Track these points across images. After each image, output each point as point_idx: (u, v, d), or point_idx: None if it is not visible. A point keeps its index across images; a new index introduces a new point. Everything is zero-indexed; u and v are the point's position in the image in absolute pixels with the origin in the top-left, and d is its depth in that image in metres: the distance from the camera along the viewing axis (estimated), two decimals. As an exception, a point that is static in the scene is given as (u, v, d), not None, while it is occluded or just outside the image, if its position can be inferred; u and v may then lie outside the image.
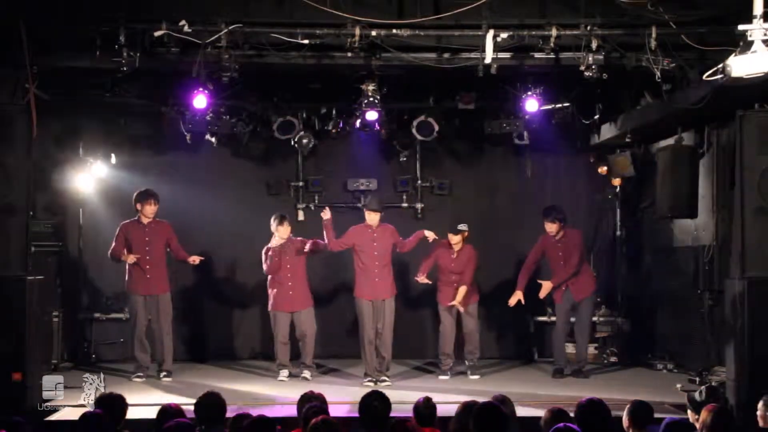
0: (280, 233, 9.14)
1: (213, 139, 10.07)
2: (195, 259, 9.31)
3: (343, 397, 7.83)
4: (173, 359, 9.31)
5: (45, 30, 7.46)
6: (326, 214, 8.98)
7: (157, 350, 9.19)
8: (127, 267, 9.12)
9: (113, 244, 9.12)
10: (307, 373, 9.16)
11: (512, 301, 9.38)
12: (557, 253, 9.51)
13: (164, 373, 9.09)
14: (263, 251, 9.22)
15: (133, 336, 9.16)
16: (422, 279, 9.29)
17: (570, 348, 10.02)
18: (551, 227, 9.43)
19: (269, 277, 9.27)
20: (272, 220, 9.20)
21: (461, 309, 9.22)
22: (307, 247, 9.17)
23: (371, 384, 8.80)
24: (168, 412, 5.13)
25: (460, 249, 9.31)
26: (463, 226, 9.25)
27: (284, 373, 9.21)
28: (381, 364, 9.03)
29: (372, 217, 9.04)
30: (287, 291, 9.20)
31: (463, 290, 9.19)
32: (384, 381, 8.91)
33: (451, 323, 9.37)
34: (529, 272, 9.57)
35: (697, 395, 5.45)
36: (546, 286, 9.41)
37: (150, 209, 9.09)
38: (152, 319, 9.19)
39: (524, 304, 9.52)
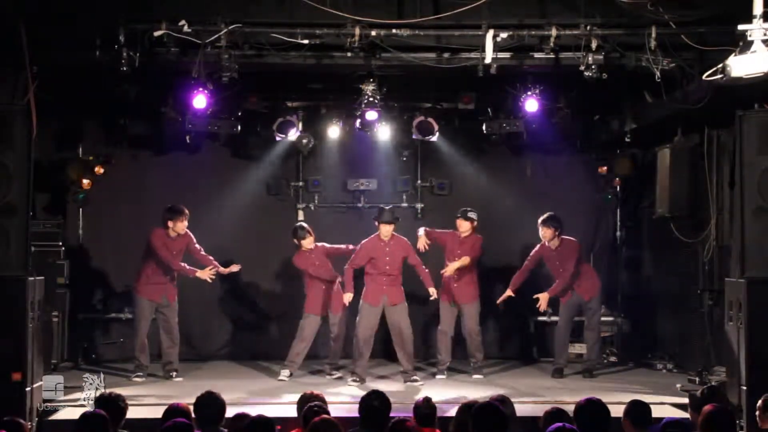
0: (305, 245, 9.21)
1: (213, 140, 10.07)
2: (227, 270, 9.32)
3: (343, 397, 7.83)
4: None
5: (45, 30, 7.45)
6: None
7: (165, 351, 9.22)
8: (139, 270, 9.18)
9: (162, 254, 9.06)
10: (336, 372, 9.31)
11: (501, 300, 9.43)
12: (554, 262, 9.51)
13: (174, 373, 9.13)
14: (301, 265, 9.30)
15: (136, 338, 9.16)
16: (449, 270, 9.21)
17: (572, 348, 10.04)
18: (545, 232, 9.38)
19: (308, 280, 9.33)
20: (298, 231, 9.24)
21: (446, 273, 9.13)
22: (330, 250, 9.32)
23: (356, 384, 8.81)
24: (175, 411, 5.12)
25: (468, 236, 9.29)
26: (473, 214, 9.26)
27: (285, 372, 9.20)
28: (408, 369, 9.04)
29: (385, 230, 9.01)
30: (324, 294, 9.27)
31: (465, 261, 9.12)
32: (416, 381, 8.95)
33: (450, 323, 9.33)
34: (523, 276, 9.53)
35: (698, 395, 5.45)
36: (543, 298, 9.33)
37: (181, 226, 9.11)
38: (161, 322, 9.21)
39: (514, 298, 9.49)
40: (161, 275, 9.14)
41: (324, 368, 9.47)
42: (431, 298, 9.10)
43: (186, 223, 9.14)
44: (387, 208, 9.32)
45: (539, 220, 9.45)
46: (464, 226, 9.30)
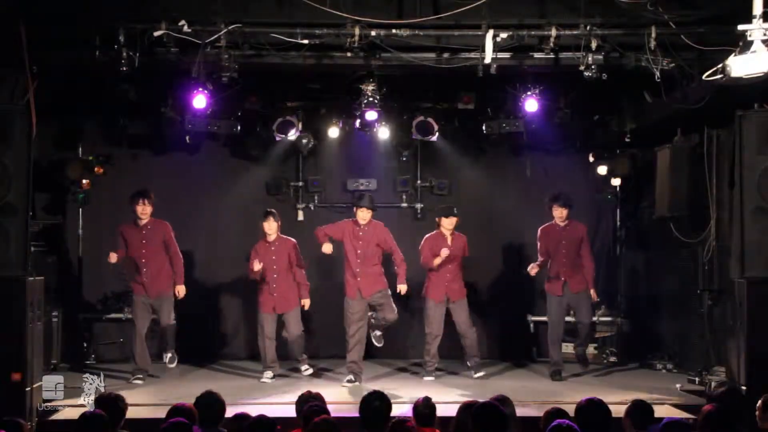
0: (265, 229, 9.12)
1: (213, 140, 10.08)
2: (179, 291, 9.15)
3: (342, 397, 7.83)
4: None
5: (45, 30, 7.45)
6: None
7: (164, 340, 9.21)
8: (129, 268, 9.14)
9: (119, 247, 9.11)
10: (306, 368, 9.19)
11: (533, 272, 9.28)
12: (560, 241, 9.34)
13: (169, 356, 9.10)
14: (253, 254, 9.20)
15: (133, 337, 9.09)
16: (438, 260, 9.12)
17: (568, 348, 10.04)
18: (561, 212, 9.30)
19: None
20: (264, 214, 9.21)
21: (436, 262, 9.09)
22: (294, 263, 9.21)
23: (348, 385, 8.79)
24: (178, 411, 5.11)
25: (453, 235, 9.24)
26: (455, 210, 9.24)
27: (268, 374, 9.17)
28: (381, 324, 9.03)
29: (362, 215, 8.96)
30: (271, 292, 9.17)
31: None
32: (378, 335, 8.97)
33: (440, 324, 9.23)
34: (543, 262, 9.40)
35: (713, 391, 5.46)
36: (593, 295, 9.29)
37: (140, 209, 9.03)
38: (157, 317, 9.19)
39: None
40: (140, 270, 9.04)
41: (298, 367, 9.33)
42: (400, 293, 9.05)
43: (146, 208, 9.00)
44: (367, 194, 9.33)
45: (552, 200, 9.33)
46: (451, 224, 9.23)
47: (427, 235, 9.32)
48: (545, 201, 9.48)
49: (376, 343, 9.12)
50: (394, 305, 9.06)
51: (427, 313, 9.28)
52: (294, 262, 9.24)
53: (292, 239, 9.34)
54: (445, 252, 9.03)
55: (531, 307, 10.66)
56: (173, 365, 9.13)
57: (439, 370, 9.45)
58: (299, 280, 9.26)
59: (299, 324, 9.23)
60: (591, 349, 10.07)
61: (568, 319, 9.63)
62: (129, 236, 9.08)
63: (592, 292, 9.36)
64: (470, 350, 9.33)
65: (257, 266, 9.00)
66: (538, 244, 9.45)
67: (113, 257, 8.93)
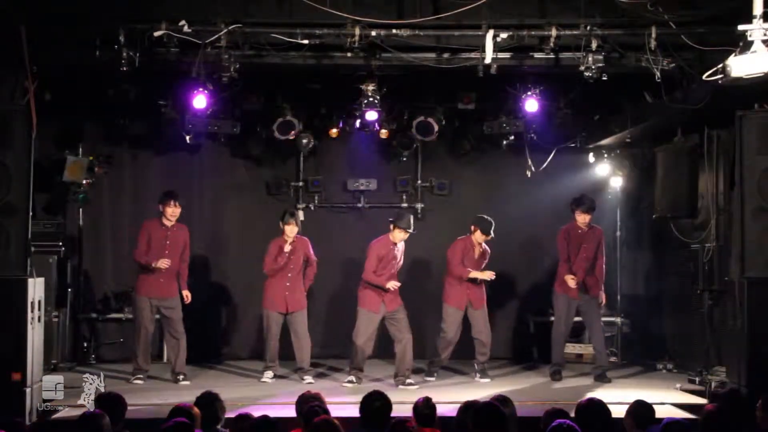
0: (287, 233, 9.06)
1: (213, 140, 10.08)
2: (188, 295, 9.16)
3: (342, 397, 7.83)
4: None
5: (45, 30, 7.45)
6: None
7: (172, 353, 9.13)
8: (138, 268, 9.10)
9: (138, 245, 9.04)
10: (308, 377, 9.10)
11: (573, 283, 9.15)
12: (581, 245, 9.31)
13: (182, 376, 8.97)
14: (273, 250, 9.12)
15: (137, 339, 9.03)
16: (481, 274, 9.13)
17: (571, 348, 10.02)
18: (585, 218, 9.28)
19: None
20: (285, 215, 9.14)
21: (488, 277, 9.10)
22: (310, 259, 9.24)
23: (349, 385, 8.79)
24: (180, 411, 5.11)
25: (480, 246, 9.25)
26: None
27: (269, 374, 9.17)
28: (405, 370, 8.89)
29: (401, 236, 8.92)
30: (285, 291, 9.15)
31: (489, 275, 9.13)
32: (412, 385, 8.79)
33: (458, 331, 9.19)
34: (567, 265, 9.30)
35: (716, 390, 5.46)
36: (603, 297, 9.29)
37: (170, 211, 9.01)
38: (163, 321, 9.17)
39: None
40: (150, 269, 8.96)
41: (298, 374, 9.21)
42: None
43: (176, 209, 9.01)
44: (408, 215, 9.19)
45: (576, 204, 9.32)
46: (486, 239, 9.20)
47: (459, 241, 9.25)
48: (569, 205, 9.46)
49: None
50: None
51: (445, 320, 9.22)
52: (311, 258, 9.25)
53: (305, 238, 9.32)
54: (489, 276, 9.09)
55: (531, 307, 10.67)
56: (187, 383, 8.97)
57: (440, 369, 9.44)
58: (309, 273, 9.29)
59: (306, 327, 9.20)
60: (590, 349, 10.03)
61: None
62: (154, 235, 9.03)
63: (601, 294, 9.37)
64: (482, 356, 9.29)
65: (288, 247, 9.00)
66: (559, 246, 9.39)
67: (166, 263, 8.88)
